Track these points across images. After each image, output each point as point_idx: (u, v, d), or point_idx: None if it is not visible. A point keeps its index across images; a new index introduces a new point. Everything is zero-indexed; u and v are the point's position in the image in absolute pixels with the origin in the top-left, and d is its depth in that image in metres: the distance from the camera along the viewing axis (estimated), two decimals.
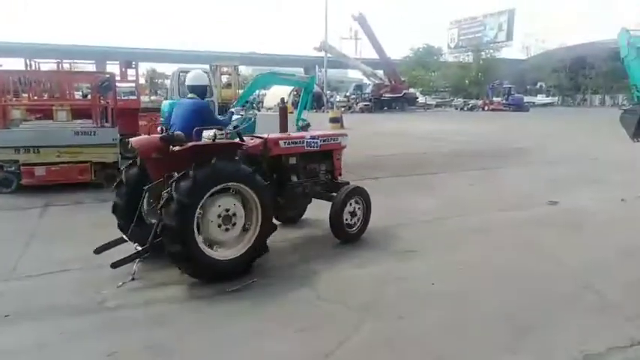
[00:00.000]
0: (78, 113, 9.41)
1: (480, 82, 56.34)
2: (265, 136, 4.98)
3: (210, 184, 3.78)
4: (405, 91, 44.10)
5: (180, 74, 15.21)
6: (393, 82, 43.17)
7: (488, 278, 4.05)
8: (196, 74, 5.04)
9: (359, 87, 50.76)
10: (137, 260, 3.95)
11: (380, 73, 45.97)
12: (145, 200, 4.28)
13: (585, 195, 7.40)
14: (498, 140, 15.95)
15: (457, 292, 3.73)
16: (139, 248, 3.97)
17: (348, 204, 4.94)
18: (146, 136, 5.25)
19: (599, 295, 3.66)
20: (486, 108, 44.04)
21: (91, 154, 7.80)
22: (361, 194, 5.14)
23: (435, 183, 8.67)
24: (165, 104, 14.88)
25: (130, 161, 4.59)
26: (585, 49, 54.63)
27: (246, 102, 13.28)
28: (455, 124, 24.79)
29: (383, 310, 3.39)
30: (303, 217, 5.76)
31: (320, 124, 21.98)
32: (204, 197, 3.74)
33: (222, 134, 4.33)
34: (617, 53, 17.70)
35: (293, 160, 5.12)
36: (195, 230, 3.70)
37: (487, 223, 5.82)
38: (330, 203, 4.93)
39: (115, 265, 3.83)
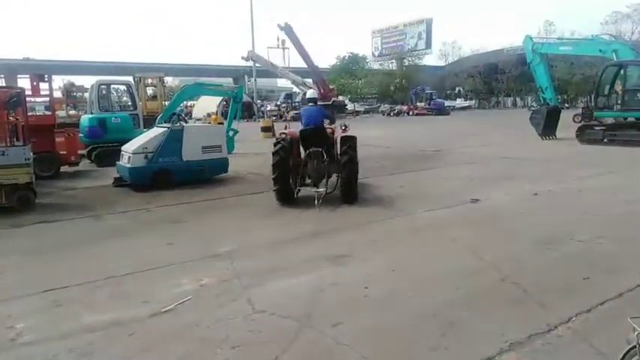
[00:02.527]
0: None
1: (404, 89, 58.81)
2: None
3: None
4: (334, 99, 44.93)
5: (101, 87, 14.46)
6: (322, 90, 43.78)
7: (417, 278, 4.20)
8: (312, 92, 9.14)
9: (289, 96, 51.05)
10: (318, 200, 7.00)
11: (309, 81, 46.49)
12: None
13: (502, 191, 7.93)
14: (423, 143, 16.68)
15: (389, 295, 3.83)
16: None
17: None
18: (292, 129, 7.88)
19: (516, 286, 3.92)
20: (411, 113, 45.95)
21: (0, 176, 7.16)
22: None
23: (365, 187, 8.87)
24: (84, 119, 14.09)
25: (281, 143, 7.33)
26: (495, 56, 58.94)
27: (173, 114, 12.92)
28: (382, 130, 25.62)
29: (319, 318, 3.40)
30: (234, 234, 5.82)
31: (251, 134, 21.86)
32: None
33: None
34: (524, 58, 19.30)
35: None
36: None
37: (415, 224, 6.06)
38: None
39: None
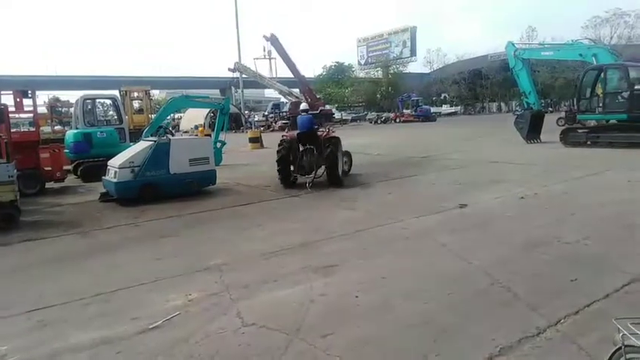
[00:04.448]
0: None
1: (391, 96, 59.29)
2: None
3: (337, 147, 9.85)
4: (321, 108, 44.98)
5: (86, 101, 14.36)
6: (309, 100, 43.88)
7: (408, 285, 4.20)
8: (304, 105, 13.16)
9: (277, 106, 51.22)
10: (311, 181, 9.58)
11: (296, 91, 46.61)
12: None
13: (489, 195, 8.00)
14: (411, 149, 16.80)
15: (379, 303, 3.83)
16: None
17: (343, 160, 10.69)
18: (291, 132, 10.60)
19: (506, 290, 3.94)
20: (398, 120, 46.32)
21: None
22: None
23: (356, 195, 8.90)
24: (69, 134, 13.96)
25: (284, 144, 9.99)
26: (479, 62, 59.82)
27: (160, 127, 12.85)
28: (370, 137, 25.78)
29: (308, 329, 3.37)
30: (223, 246, 5.83)
31: (239, 145, 21.82)
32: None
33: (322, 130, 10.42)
34: (507, 64, 19.60)
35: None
36: None
37: (404, 231, 6.07)
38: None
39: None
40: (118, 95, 20.43)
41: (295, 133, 10.21)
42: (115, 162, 9.20)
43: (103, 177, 9.55)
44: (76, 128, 13.78)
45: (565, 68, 44.80)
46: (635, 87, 13.90)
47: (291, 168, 10.08)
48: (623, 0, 49.70)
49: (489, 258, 4.79)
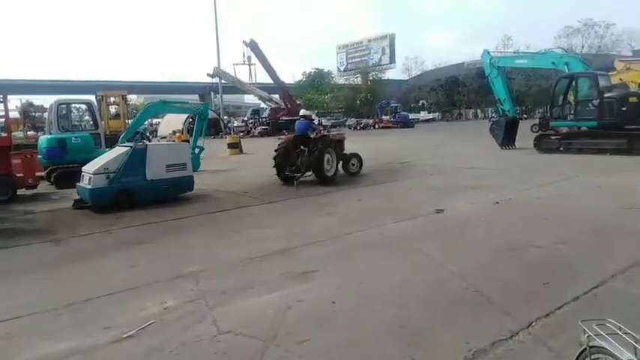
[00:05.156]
0: None
1: (370, 102, 59.83)
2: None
3: (324, 149, 10.88)
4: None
5: (60, 106, 14.07)
6: (289, 106, 44.02)
7: (384, 290, 4.23)
8: (303, 111, 12.72)
9: (256, 111, 51.10)
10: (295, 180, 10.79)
11: (276, 97, 46.66)
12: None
13: (465, 201, 8.13)
14: (390, 155, 16.96)
15: (356, 308, 3.85)
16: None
17: (350, 163, 12.43)
18: (288, 135, 12.13)
19: (480, 294, 4.01)
20: (377, 126, 46.76)
21: None
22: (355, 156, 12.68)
23: (335, 201, 8.94)
24: (42, 140, 13.63)
25: (281, 145, 11.36)
26: (456, 69, 60.91)
27: (137, 132, 12.68)
28: (350, 143, 25.70)
29: (284, 336, 3.37)
30: (200, 253, 5.78)
31: (218, 151, 21.68)
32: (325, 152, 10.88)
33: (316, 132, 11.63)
34: (483, 72, 20.04)
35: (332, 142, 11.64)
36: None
37: (382, 236, 6.12)
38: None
39: None
40: (94, 100, 20.09)
41: (292, 135, 11.75)
42: (89, 168, 9.03)
43: (78, 183, 9.36)
44: (50, 133, 13.48)
45: (539, 76, 45.97)
46: (605, 95, 14.35)
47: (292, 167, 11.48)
48: (594, 10, 51.29)
49: (464, 263, 4.86)
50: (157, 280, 4.72)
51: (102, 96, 25.59)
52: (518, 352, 3.06)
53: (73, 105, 16.80)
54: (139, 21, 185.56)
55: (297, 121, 11.98)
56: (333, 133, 13.99)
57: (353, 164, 12.37)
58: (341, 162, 11.96)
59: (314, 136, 11.40)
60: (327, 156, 11.06)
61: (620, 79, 19.20)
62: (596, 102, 14.46)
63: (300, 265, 4.99)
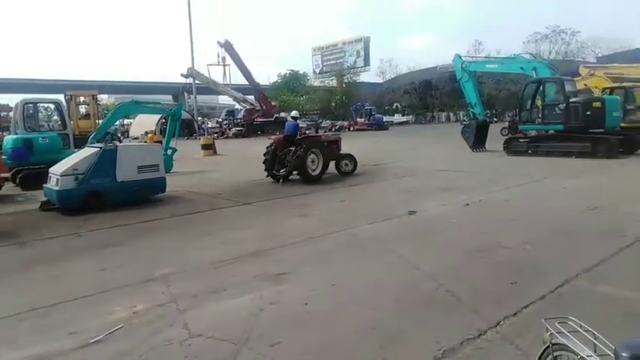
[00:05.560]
0: None
1: (345, 105, 60.09)
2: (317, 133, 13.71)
3: (308, 150, 11.32)
4: (276, 115, 45.04)
5: (26, 105, 13.65)
6: (264, 107, 43.86)
7: (357, 291, 4.26)
8: (295, 112, 13.27)
9: (231, 112, 50.65)
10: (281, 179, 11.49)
11: (251, 98, 46.37)
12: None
13: (437, 202, 8.26)
14: (364, 157, 16.97)
15: (329, 310, 3.86)
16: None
17: (343, 163, 12.86)
18: (279, 136, 12.55)
19: (450, 294, 4.08)
20: (352, 128, 47.00)
21: None
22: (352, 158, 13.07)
23: (308, 203, 8.94)
24: (8, 140, 13.17)
25: (271, 145, 11.97)
26: (429, 73, 61.85)
27: (107, 133, 12.41)
28: None
29: (257, 338, 3.35)
30: (172, 256, 5.71)
31: (191, 152, 21.39)
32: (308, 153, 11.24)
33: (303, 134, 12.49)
34: (455, 76, 20.43)
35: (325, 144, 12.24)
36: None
37: (356, 238, 6.16)
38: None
39: None
40: (63, 100, 19.55)
41: (282, 136, 12.30)
42: (57, 169, 8.77)
43: (45, 185, 9.08)
44: (16, 133, 13.05)
45: (509, 81, 47.15)
46: (570, 100, 14.84)
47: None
48: (562, 18, 53.13)
49: (436, 263, 4.94)
50: (126, 284, 4.62)
51: (71, 95, 24.96)
52: (486, 351, 3.13)
53: (40, 104, 16.32)
54: (110, 20, 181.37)
55: (287, 122, 12.67)
56: (328, 134, 15.28)
57: (346, 164, 12.75)
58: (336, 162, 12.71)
59: (298, 136, 11.91)
60: (311, 156, 11.46)
61: (585, 85, 19.86)
62: (562, 106, 14.94)
63: (274, 267, 4.97)
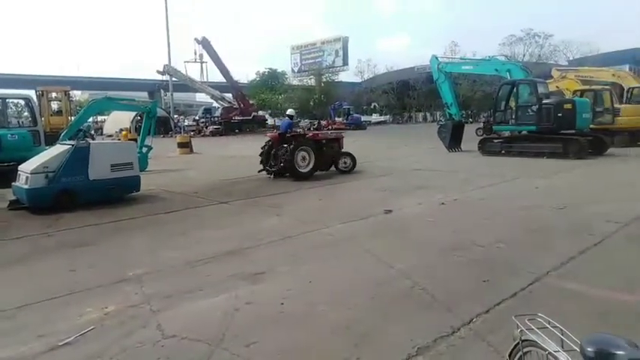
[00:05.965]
0: None
1: (323, 104, 60.04)
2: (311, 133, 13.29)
3: (298, 147, 11.71)
4: (254, 114, 44.81)
5: None
6: (242, 105, 43.53)
7: (333, 290, 4.27)
8: (291, 111, 14.53)
9: (208, 110, 50.10)
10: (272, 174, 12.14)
11: (229, 96, 45.93)
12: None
13: (413, 201, 8.36)
14: None
15: (305, 309, 3.86)
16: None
17: (342, 161, 13.05)
18: (274, 133, 13.15)
19: (425, 292, 4.13)
20: (330, 128, 46.96)
21: None
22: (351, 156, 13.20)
23: (285, 202, 8.92)
24: None
25: (268, 142, 12.42)
26: (407, 73, 62.40)
27: (79, 130, 12.10)
28: None
29: (232, 339, 3.32)
30: (145, 256, 5.59)
31: (167, 150, 21.06)
32: (296, 151, 11.60)
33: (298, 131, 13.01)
34: (432, 76, 20.69)
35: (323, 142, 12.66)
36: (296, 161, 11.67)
37: (333, 237, 6.17)
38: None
39: None
40: (34, 95, 19.00)
41: (278, 133, 12.79)
42: (27, 167, 8.52)
43: (14, 183, 8.81)
44: None
45: (484, 82, 47.95)
46: (543, 101, 15.20)
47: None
48: (535, 22, 54.32)
49: (411, 262, 4.99)
50: (98, 284, 4.52)
51: (42, 91, 24.30)
52: (459, 348, 3.17)
53: (9, 100, 15.81)
54: (87, 15, 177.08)
55: (283, 120, 13.83)
56: (329, 132, 15.93)
57: (345, 162, 12.99)
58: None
59: (288, 134, 12.25)
60: (301, 153, 11.82)
61: (557, 87, 20.36)
62: (535, 108, 15.29)
63: (249, 267, 4.94)
